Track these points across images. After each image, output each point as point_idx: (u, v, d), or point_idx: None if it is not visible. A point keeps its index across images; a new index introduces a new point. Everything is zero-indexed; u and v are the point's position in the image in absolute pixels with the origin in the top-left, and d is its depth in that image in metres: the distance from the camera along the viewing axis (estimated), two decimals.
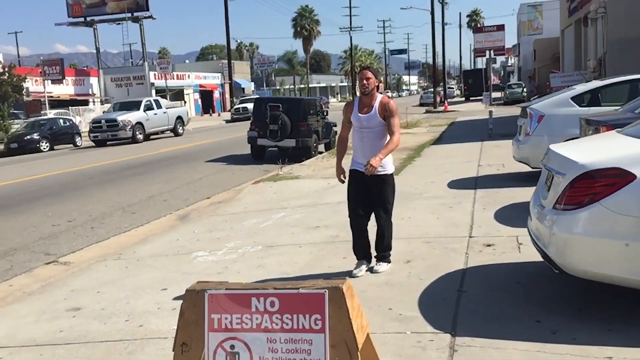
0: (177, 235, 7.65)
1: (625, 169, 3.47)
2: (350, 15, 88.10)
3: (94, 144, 26.88)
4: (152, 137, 28.29)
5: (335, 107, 66.21)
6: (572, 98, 8.77)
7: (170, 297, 5.08)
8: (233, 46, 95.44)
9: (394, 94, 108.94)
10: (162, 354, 3.90)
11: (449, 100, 59.95)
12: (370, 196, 5.09)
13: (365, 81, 4.91)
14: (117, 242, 7.73)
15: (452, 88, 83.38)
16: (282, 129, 15.99)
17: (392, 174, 5.10)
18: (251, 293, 2.81)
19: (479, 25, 79.79)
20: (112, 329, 4.52)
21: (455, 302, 4.28)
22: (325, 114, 18.20)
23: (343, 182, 5.26)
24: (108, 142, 26.71)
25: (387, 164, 5.02)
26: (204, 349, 2.84)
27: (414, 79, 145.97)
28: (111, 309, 4.97)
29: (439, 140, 17.82)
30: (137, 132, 26.73)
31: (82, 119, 36.44)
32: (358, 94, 5.13)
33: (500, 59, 58.79)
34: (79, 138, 28.77)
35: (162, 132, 29.00)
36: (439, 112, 39.55)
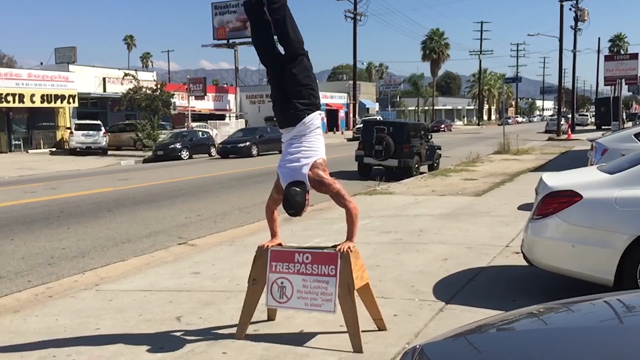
0: (279, 231, 9.53)
1: (576, 191, 4.73)
2: (481, 39, 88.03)
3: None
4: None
5: (459, 130, 66.67)
6: (635, 135, 9.58)
7: None
8: (363, 66, 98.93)
9: (524, 119, 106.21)
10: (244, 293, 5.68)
11: (581, 127, 58.07)
12: None
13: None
14: (232, 233, 9.76)
15: (586, 115, 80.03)
16: (386, 150, 17.60)
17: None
18: (295, 250, 4.52)
19: (619, 52, 76.14)
20: (218, 285, 6.41)
21: (462, 286, 5.69)
22: (429, 137, 19.54)
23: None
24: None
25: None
26: (266, 283, 4.57)
27: (549, 103, 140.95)
28: (220, 274, 6.89)
29: (540, 168, 18.45)
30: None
31: (218, 132, 40.45)
32: None
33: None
34: (214, 149, 32.29)
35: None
36: (560, 140, 39.01)
